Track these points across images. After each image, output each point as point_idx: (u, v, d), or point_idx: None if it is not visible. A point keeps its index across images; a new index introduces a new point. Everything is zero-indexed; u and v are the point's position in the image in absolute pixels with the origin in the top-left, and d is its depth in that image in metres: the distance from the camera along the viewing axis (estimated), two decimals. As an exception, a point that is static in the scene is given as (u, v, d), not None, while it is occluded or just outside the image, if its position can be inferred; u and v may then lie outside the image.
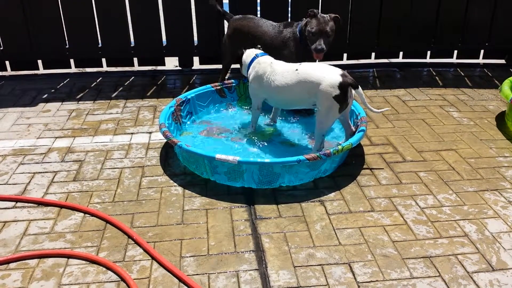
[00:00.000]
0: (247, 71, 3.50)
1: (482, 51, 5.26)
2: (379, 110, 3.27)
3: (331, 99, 3.01)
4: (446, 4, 4.89)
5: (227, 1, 4.76)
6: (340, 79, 3.01)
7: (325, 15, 3.56)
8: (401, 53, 5.25)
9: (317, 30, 3.50)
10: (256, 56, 3.44)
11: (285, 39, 3.78)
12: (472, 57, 5.29)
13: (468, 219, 2.72)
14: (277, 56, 3.53)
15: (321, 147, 3.15)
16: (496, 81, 4.79)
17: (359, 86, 3.10)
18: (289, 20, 4.78)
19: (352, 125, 3.31)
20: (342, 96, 3.01)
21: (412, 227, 2.65)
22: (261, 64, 3.36)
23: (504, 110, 4.06)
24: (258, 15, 4.52)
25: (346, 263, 2.39)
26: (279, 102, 3.40)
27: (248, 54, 3.53)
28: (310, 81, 3.08)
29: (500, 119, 3.94)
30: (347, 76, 3.06)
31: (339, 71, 3.07)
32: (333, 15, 3.58)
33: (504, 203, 2.86)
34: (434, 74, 5.00)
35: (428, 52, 5.24)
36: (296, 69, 3.17)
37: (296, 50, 3.70)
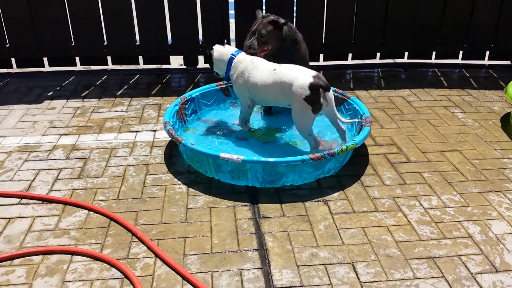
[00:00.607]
0: (227, 72, 3.43)
1: (487, 52, 5.25)
2: (349, 121, 3.36)
3: (302, 100, 3.03)
4: (452, 5, 4.88)
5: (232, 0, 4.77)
6: (310, 80, 3.01)
7: (265, 17, 3.56)
8: (406, 54, 5.24)
9: (252, 29, 3.54)
10: (233, 55, 3.39)
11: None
12: (478, 58, 5.27)
13: (472, 220, 2.71)
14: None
15: (316, 145, 3.16)
16: (501, 82, 4.77)
17: (331, 90, 3.10)
18: (294, 22, 4.78)
19: (342, 125, 3.26)
20: (313, 98, 3.01)
21: (415, 227, 2.65)
22: (242, 62, 3.35)
23: (509, 111, 4.04)
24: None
25: (350, 263, 2.39)
26: (259, 99, 3.40)
27: (222, 52, 3.43)
28: (283, 81, 3.12)
29: (505, 120, 3.93)
30: (320, 78, 3.06)
31: (312, 73, 3.08)
32: (272, 18, 3.51)
33: (508, 205, 2.85)
34: (439, 74, 4.99)
35: (433, 53, 5.23)
36: (274, 69, 3.21)
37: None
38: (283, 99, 3.20)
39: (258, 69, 3.28)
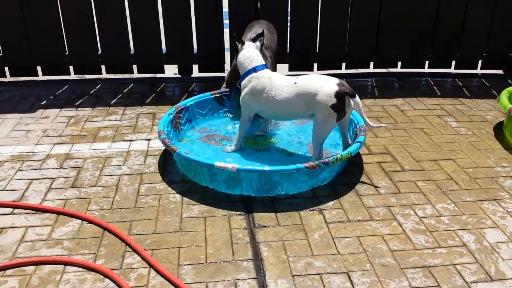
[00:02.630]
0: (242, 78, 3.37)
1: (480, 62, 5.29)
2: (376, 125, 3.31)
3: (328, 108, 3.01)
4: (444, 15, 4.92)
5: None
6: (336, 88, 3.01)
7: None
8: (399, 63, 5.28)
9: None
10: (255, 70, 3.28)
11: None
12: (470, 68, 5.31)
13: (466, 229, 2.72)
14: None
15: (320, 156, 3.15)
16: (494, 91, 4.81)
17: (357, 95, 3.11)
18: (288, 33, 4.81)
19: (349, 138, 3.28)
20: (339, 105, 3.01)
21: (410, 236, 2.65)
22: (260, 80, 3.23)
23: (502, 120, 4.07)
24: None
25: (345, 272, 2.39)
26: (276, 115, 3.36)
27: (249, 58, 3.34)
28: (308, 92, 3.06)
29: (498, 129, 3.95)
30: (344, 85, 3.06)
31: (336, 80, 3.07)
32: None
33: (502, 213, 2.86)
34: (432, 84, 5.03)
35: (426, 62, 5.27)
36: (295, 83, 3.14)
37: None
38: (304, 110, 3.14)
39: (276, 87, 3.18)
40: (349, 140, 3.29)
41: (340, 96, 3.01)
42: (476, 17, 4.96)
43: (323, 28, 4.92)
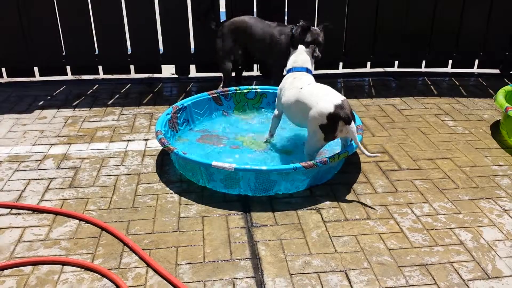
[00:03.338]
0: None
1: (476, 61, 5.31)
2: (373, 155, 2.96)
3: (316, 126, 2.93)
4: (441, 15, 4.94)
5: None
6: (331, 109, 2.84)
7: (316, 28, 3.91)
8: (396, 63, 5.29)
9: (312, 40, 3.81)
10: (292, 70, 3.37)
11: (276, 36, 4.13)
12: (467, 67, 5.33)
13: (463, 227, 2.73)
14: (264, 53, 4.02)
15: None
16: (490, 91, 4.82)
17: (352, 123, 2.86)
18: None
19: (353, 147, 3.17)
20: (328, 127, 2.88)
21: (408, 235, 2.66)
22: (288, 79, 3.33)
23: (498, 119, 4.09)
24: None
25: (342, 271, 2.39)
26: (289, 116, 3.37)
27: (294, 59, 3.42)
28: (304, 103, 3.03)
29: (495, 128, 3.97)
30: (344, 108, 2.85)
31: (337, 100, 2.88)
32: (321, 26, 3.93)
33: (499, 212, 2.87)
34: (429, 83, 5.04)
35: (423, 62, 5.28)
36: (301, 88, 3.12)
37: (285, 50, 3.92)
38: (303, 118, 3.06)
39: (289, 88, 3.24)
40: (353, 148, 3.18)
41: (332, 119, 2.85)
42: (473, 17, 4.98)
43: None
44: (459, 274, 2.38)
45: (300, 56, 3.42)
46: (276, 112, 3.48)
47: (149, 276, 2.35)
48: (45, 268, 2.40)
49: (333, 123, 2.87)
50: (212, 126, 3.85)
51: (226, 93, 4.06)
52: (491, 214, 2.84)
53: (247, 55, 4.51)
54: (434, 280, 2.34)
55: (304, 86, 3.14)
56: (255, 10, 4.79)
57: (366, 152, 2.94)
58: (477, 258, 2.48)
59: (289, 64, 3.45)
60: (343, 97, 2.96)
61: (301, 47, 3.49)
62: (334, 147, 3.49)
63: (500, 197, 3.01)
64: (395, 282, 2.32)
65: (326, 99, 2.92)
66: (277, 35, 4.18)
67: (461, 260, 2.47)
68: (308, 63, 3.41)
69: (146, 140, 3.73)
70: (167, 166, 3.35)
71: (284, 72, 3.60)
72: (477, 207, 2.91)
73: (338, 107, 2.86)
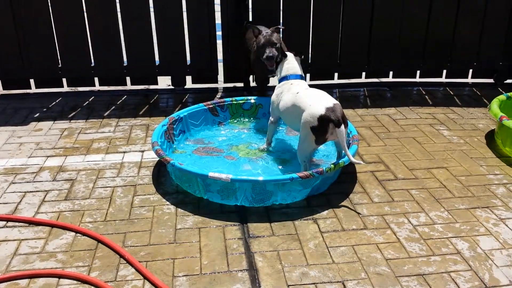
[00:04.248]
0: (278, 82, 3.55)
1: (470, 71, 5.35)
2: (357, 161, 3.01)
3: (308, 128, 3.01)
4: (435, 26, 4.98)
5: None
6: (322, 112, 2.94)
7: (268, 30, 3.90)
8: (391, 73, 5.32)
9: (264, 42, 3.77)
10: (287, 78, 3.45)
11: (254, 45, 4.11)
12: (461, 77, 5.37)
13: (460, 237, 2.73)
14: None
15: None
16: (485, 100, 4.86)
17: (342, 126, 2.94)
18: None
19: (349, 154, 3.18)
20: (319, 129, 2.97)
21: (405, 244, 2.66)
22: (285, 85, 3.41)
23: (493, 128, 4.11)
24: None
25: (340, 281, 2.39)
26: (285, 120, 3.46)
27: (286, 68, 3.50)
28: (299, 106, 3.14)
29: (490, 137, 3.99)
30: (335, 111, 2.94)
31: (329, 104, 2.98)
32: (273, 28, 3.92)
33: (495, 220, 2.88)
34: (424, 93, 5.07)
35: (418, 72, 5.32)
36: (297, 92, 3.23)
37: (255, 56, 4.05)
38: (299, 121, 3.12)
39: (287, 92, 3.33)
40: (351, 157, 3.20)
41: (323, 121, 2.95)
42: (466, 27, 5.02)
43: (315, 40, 4.96)
44: (456, 284, 2.37)
45: (292, 64, 3.51)
46: (272, 118, 3.55)
47: (146, 289, 2.34)
48: (41, 281, 2.38)
49: (323, 125, 2.96)
50: (208, 137, 3.86)
51: (222, 104, 4.07)
52: (487, 223, 2.85)
53: None
54: (432, 290, 2.34)
55: (301, 91, 3.25)
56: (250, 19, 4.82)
57: (351, 157, 2.98)
58: (474, 268, 2.49)
59: (284, 72, 3.50)
60: (336, 102, 3.06)
61: (290, 54, 3.56)
62: (331, 158, 3.50)
63: (496, 206, 3.02)
64: (392, 292, 2.32)
65: (318, 102, 3.04)
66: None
67: (459, 270, 2.47)
68: (300, 70, 3.52)
69: (142, 151, 3.73)
70: (163, 177, 3.34)
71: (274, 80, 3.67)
72: (473, 216, 2.92)
73: (329, 110, 2.96)
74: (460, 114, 4.50)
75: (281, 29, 4.10)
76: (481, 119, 4.37)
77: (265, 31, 3.88)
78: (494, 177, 3.37)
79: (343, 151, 3.05)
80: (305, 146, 3.10)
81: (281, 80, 3.51)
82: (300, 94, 3.21)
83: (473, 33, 5.07)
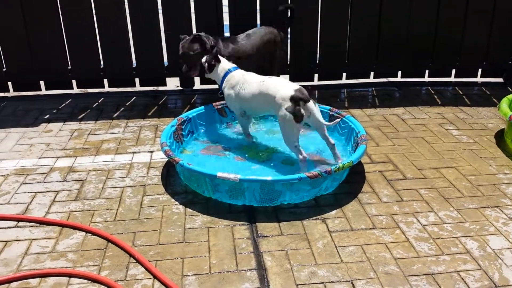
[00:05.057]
0: (221, 84, 3.74)
1: (479, 70, 5.32)
2: (331, 123, 3.34)
3: (284, 110, 3.18)
4: (443, 25, 4.96)
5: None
6: (292, 92, 3.19)
7: (205, 36, 4.05)
8: (399, 73, 5.31)
9: (198, 47, 4.02)
10: (229, 71, 3.69)
11: None
12: (470, 76, 5.34)
13: (469, 236, 2.72)
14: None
15: (303, 156, 3.23)
16: (494, 99, 4.83)
17: (311, 101, 3.20)
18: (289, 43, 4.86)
19: (330, 137, 3.37)
20: (293, 108, 3.16)
21: (414, 244, 2.65)
22: (235, 77, 3.63)
23: (503, 127, 4.08)
24: (258, 25, 4.73)
25: (349, 281, 2.39)
26: (249, 109, 3.62)
27: (222, 67, 3.74)
28: (268, 93, 3.33)
29: (499, 136, 3.96)
30: (302, 91, 3.22)
31: (295, 86, 3.26)
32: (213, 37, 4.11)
33: (505, 220, 2.86)
34: (433, 92, 5.05)
35: (426, 71, 5.30)
36: (263, 81, 3.44)
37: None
38: (268, 108, 3.41)
39: (248, 82, 3.54)
40: (331, 139, 3.37)
41: (294, 99, 3.16)
42: (475, 27, 4.99)
43: (324, 39, 4.96)
44: (466, 283, 2.37)
45: (226, 61, 3.79)
46: (237, 113, 3.71)
47: (156, 288, 2.36)
48: (52, 280, 2.41)
49: (296, 102, 3.17)
50: (216, 138, 3.87)
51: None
52: (497, 223, 2.83)
53: None
54: (441, 289, 2.33)
55: (265, 79, 3.46)
56: (258, 23, 4.83)
57: (324, 121, 3.27)
58: (484, 267, 2.48)
59: (225, 68, 3.72)
60: (299, 85, 3.29)
61: (222, 59, 3.80)
62: (325, 151, 3.50)
63: (505, 206, 3.00)
64: (401, 292, 2.32)
65: (286, 86, 3.28)
66: None
67: (468, 269, 2.46)
68: (232, 64, 3.80)
69: (151, 152, 3.75)
70: (172, 177, 3.36)
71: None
72: (483, 215, 2.91)
73: (297, 90, 3.22)
74: (469, 113, 4.48)
75: (203, 36, 4.06)
76: (490, 119, 4.35)
77: (204, 36, 4.01)
78: (503, 176, 3.35)
79: (323, 124, 3.28)
80: (288, 129, 3.23)
81: (224, 75, 3.70)
82: (266, 82, 3.40)
83: (481, 32, 5.04)
